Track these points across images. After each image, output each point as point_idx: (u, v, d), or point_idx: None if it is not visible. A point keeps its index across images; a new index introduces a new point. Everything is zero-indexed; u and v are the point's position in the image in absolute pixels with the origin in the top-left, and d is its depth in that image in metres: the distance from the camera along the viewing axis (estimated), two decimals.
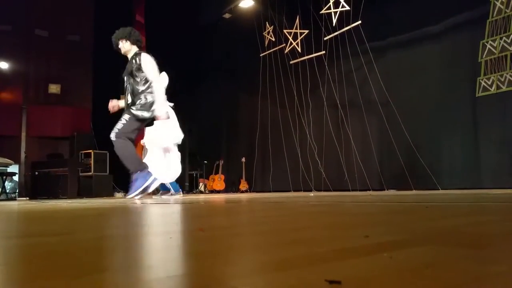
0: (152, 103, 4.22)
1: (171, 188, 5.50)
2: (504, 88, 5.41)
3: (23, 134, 8.81)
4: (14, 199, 7.60)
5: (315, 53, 7.36)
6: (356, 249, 0.73)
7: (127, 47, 4.40)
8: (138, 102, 4.19)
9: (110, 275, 0.57)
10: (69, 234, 1.16)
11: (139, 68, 4.25)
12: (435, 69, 6.20)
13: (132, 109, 4.19)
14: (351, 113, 7.06)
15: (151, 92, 4.24)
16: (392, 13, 6.78)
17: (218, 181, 9.22)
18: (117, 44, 4.41)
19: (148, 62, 4.28)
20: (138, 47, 4.45)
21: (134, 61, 4.30)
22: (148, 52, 4.55)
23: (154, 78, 4.26)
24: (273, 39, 8.18)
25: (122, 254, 0.79)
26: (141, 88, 4.22)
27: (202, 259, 0.70)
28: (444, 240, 0.85)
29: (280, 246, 0.81)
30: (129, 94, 4.27)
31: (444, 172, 5.95)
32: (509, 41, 5.39)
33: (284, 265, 0.61)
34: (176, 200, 4.32)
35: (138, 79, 4.24)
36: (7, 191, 7.54)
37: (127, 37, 4.35)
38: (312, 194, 5.52)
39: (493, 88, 5.52)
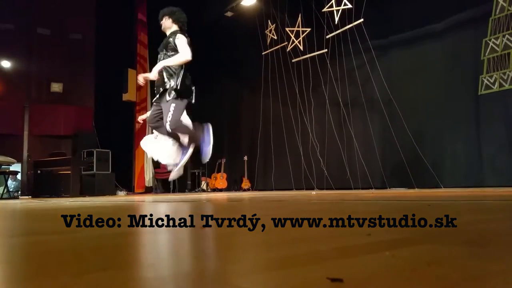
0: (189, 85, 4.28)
1: None
2: (506, 86, 5.39)
3: (26, 133, 8.83)
4: (16, 197, 7.62)
5: (317, 51, 7.35)
6: (358, 247, 0.73)
7: (167, 25, 4.46)
8: (174, 83, 4.21)
9: (112, 273, 0.57)
10: (71, 232, 1.16)
11: (173, 47, 4.32)
12: (437, 67, 6.17)
13: (172, 93, 4.18)
14: (353, 111, 7.04)
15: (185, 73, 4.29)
16: (394, 11, 6.75)
17: (220, 179, 9.23)
18: (161, 20, 4.54)
19: (181, 42, 4.32)
20: (179, 28, 4.51)
21: (170, 39, 4.39)
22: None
23: (183, 53, 4.28)
24: (275, 37, 8.17)
25: (124, 252, 0.79)
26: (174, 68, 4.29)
27: (204, 257, 0.70)
28: (445, 238, 0.85)
29: (282, 245, 0.82)
30: (164, 72, 4.32)
31: (447, 171, 5.94)
32: None
33: (286, 263, 0.61)
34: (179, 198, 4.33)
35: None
36: (11, 189, 7.56)
37: (170, 15, 4.42)
38: (314, 193, 5.52)
39: (495, 86, 5.50)
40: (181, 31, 4.43)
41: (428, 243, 0.77)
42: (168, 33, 4.44)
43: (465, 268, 0.55)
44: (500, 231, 0.96)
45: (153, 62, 9.64)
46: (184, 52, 4.19)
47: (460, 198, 2.72)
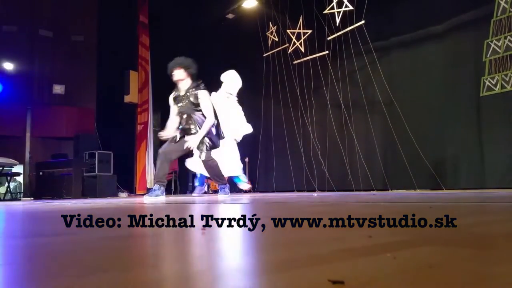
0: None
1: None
2: (508, 88, 5.38)
3: (28, 135, 8.85)
4: (18, 199, 7.64)
5: (318, 53, 7.35)
6: (359, 249, 0.73)
7: (181, 76, 4.63)
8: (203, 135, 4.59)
9: (113, 275, 0.57)
10: (73, 234, 1.16)
11: (198, 105, 4.61)
12: (439, 68, 6.17)
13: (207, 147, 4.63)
14: (354, 113, 7.03)
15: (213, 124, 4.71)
16: (395, 12, 6.75)
17: None
18: (172, 71, 4.63)
19: (206, 100, 4.62)
20: (192, 80, 4.71)
21: (192, 97, 4.61)
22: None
23: (209, 115, 4.58)
24: (276, 39, 8.17)
25: (125, 254, 0.79)
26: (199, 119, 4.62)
27: (205, 259, 0.70)
28: (447, 240, 0.85)
29: (283, 246, 0.82)
30: (189, 123, 4.62)
31: (448, 172, 5.92)
32: None
33: (287, 265, 0.61)
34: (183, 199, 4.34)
35: (199, 114, 4.63)
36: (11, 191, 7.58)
37: (186, 68, 4.61)
38: (315, 194, 5.51)
39: (497, 87, 5.49)
40: (195, 81, 4.67)
41: (429, 245, 0.77)
42: (181, 85, 4.65)
43: (467, 270, 0.55)
44: (502, 233, 0.96)
45: (154, 64, 9.69)
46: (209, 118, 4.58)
47: (462, 200, 2.72)
